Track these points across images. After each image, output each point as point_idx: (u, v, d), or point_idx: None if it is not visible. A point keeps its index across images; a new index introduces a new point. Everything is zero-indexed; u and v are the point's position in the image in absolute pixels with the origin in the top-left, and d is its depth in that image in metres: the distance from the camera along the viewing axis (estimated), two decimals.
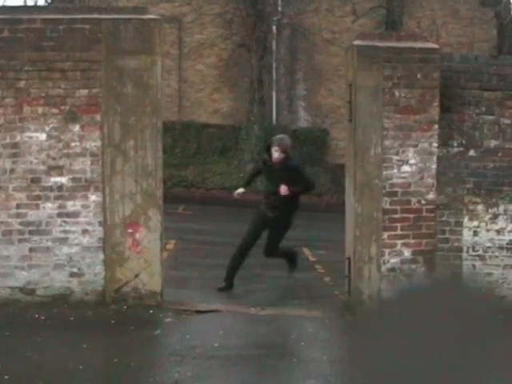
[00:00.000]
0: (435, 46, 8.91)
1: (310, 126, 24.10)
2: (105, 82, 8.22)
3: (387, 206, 8.51)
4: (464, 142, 8.76)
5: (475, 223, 8.78)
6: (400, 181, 8.54)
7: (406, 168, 8.56)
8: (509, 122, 8.78)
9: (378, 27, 21.71)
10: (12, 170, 8.24)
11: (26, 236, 8.27)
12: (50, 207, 8.28)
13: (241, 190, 10.59)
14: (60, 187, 8.28)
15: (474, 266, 8.77)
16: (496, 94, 8.73)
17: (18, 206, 8.25)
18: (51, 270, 8.31)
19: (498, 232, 8.80)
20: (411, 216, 8.56)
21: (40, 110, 8.22)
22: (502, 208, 8.80)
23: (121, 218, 8.29)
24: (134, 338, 7.42)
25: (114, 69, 8.21)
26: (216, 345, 7.25)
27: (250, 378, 6.35)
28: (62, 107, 8.24)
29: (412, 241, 8.58)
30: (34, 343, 7.12)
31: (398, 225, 8.53)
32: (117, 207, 8.28)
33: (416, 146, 8.54)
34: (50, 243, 8.30)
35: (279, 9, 23.54)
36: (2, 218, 8.24)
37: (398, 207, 8.52)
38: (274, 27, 23.56)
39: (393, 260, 8.56)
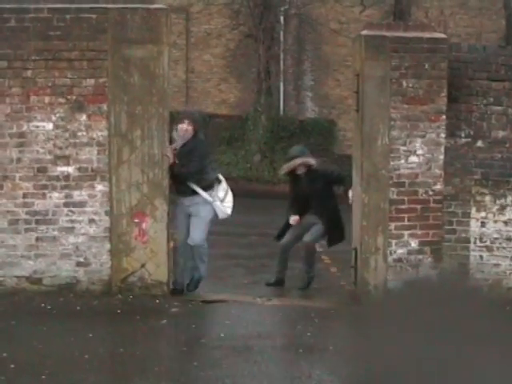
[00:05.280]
0: (443, 36, 8.87)
1: (317, 117, 24.07)
2: (111, 72, 8.21)
3: (394, 197, 8.49)
4: (472, 132, 8.72)
5: (483, 214, 8.75)
6: (407, 171, 8.51)
7: (413, 158, 8.53)
8: None
9: (385, 17, 21.61)
10: (18, 160, 8.23)
11: (33, 225, 8.27)
12: (56, 197, 8.28)
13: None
14: (67, 177, 8.27)
15: (481, 256, 8.75)
16: (504, 85, 8.68)
17: (24, 196, 8.25)
18: (57, 260, 8.32)
19: (506, 223, 8.77)
20: (418, 207, 8.53)
21: (47, 99, 8.21)
22: (509, 199, 8.76)
23: (127, 208, 8.28)
24: (140, 328, 7.42)
25: (121, 58, 8.20)
26: (222, 335, 7.25)
27: (255, 368, 6.35)
28: (69, 97, 8.23)
29: (419, 231, 8.55)
30: (39, 332, 7.13)
31: (405, 215, 8.50)
32: (123, 197, 8.27)
33: (423, 136, 8.51)
34: (56, 232, 8.30)
35: None
36: (8, 207, 8.25)
37: (405, 198, 8.50)
38: (282, 17, 23.50)
39: (399, 250, 8.54)
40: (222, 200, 8.61)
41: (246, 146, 22.03)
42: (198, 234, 8.54)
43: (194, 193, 8.47)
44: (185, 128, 8.43)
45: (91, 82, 8.23)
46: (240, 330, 7.45)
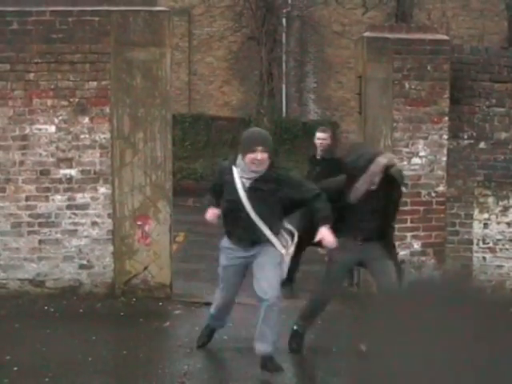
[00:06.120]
0: (445, 37, 8.88)
1: (319, 119, 24.03)
2: (114, 74, 8.22)
3: None
4: (474, 134, 8.73)
5: (485, 215, 8.76)
6: (410, 173, 8.51)
7: (416, 160, 8.54)
8: None
9: (388, 19, 21.61)
10: (21, 163, 8.25)
11: (36, 228, 8.28)
12: (59, 199, 8.29)
13: None
14: (69, 179, 8.28)
15: (484, 258, 8.75)
16: (507, 86, 8.70)
17: (27, 198, 8.27)
18: (60, 262, 8.33)
19: (509, 224, 8.77)
20: (421, 208, 8.53)
21: (49, 102, 8.23)
22: None
23: (130, 211, 8.29)
24: (143, 330, 7.41)
25: (123, 61, 8.20)
26: (225, 337, 7.23)
27: (259, 371, 6.34)
28: (72, 99, 8.24)
29: (422, 233, 8.55)
30: (43, 335, 7.13)
31: (408, 217, 8.50)
32: (126, 199, 8.28)
33: (426, 138, 8.52)
34: (59, 235, 8.31)
35: (289, 1, 23.49)
36: (11, 210, 8.26)
37: (408, 199, 8.49)
38: (284, 20, 23.50)
39: (402, 252, 8.53)
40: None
41: None
42: (272, 283, 6.01)
43: (258, 242, 6.12)
44: (259, 157, 5.84)
45: (94, 84, 8.24)
46: (243, 332, 7.43)
